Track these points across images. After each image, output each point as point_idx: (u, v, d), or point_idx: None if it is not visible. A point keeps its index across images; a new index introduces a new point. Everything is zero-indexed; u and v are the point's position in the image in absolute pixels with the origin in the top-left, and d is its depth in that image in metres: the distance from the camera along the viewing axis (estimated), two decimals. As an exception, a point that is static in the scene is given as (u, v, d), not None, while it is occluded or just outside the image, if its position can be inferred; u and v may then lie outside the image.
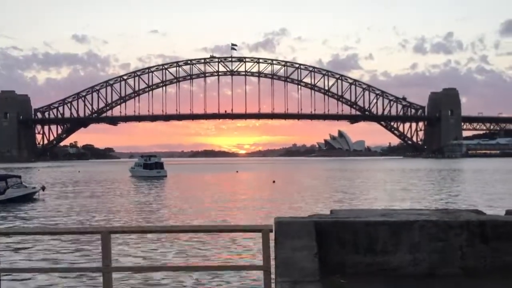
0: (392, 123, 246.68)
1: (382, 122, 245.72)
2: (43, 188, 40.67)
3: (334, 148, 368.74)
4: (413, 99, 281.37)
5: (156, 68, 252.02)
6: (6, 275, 11.83)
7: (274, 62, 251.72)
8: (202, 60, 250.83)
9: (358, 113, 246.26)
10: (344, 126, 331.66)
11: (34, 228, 16.52)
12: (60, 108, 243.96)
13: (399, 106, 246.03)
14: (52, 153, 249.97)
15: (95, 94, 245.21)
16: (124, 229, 12.51)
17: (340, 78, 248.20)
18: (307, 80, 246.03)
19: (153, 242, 17.82)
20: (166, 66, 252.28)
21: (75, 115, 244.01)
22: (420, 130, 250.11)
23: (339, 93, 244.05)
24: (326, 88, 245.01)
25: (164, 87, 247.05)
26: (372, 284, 4.87)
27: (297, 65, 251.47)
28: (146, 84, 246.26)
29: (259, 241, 5.04)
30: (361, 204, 31.94)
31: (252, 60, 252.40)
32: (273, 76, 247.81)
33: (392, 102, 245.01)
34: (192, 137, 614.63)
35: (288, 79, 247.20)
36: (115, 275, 5.81)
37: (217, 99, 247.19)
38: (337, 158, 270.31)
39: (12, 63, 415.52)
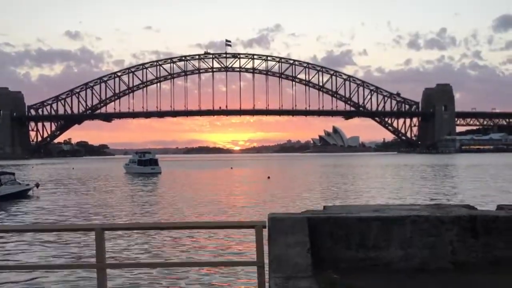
0: (386, 119, 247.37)
1: (377, 118, 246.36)
2: (37, 185, 40.55)
3: (329, 144, 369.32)
4: (407, 95, 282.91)
5: (150, 65, 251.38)
6: (0, 272, 11.82)
7: (269, 58, 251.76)
8: (197, 57, 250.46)
9: (352, 109, 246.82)
10: (338, 122, 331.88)
11: (28, 225, 16.50)
12: (54, 105, 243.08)
13: (393, 102, 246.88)
14: (46, 150, 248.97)
15: (89, 91, 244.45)
16: (118, 226, 12.53)
17: (335, 74, 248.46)
18: (302, 76, 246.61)
19: (147, 238, 17.84)
20: (160, 63, 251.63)
21: (69, 112, 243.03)
22: (414, 125, 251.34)
23: (334, 89, 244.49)
24: (321, 84, 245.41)
25: (158, 84, 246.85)
26: (365, 279, 4.91)
27: (291, 61, 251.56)
28: (140, 80, 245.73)
29: (253, 237, 5.07)
30: (354, 200, 32.07)
31: (246, 56, 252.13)
32: (267, 72, 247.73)
33: (386, 98, 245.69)
34: (187, 134, 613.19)
35: (282, 75, 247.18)
36: (109, 271, 5.82)
37: (212, 95, 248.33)
38: (332, 154, 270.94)
39: (5, 60, 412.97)
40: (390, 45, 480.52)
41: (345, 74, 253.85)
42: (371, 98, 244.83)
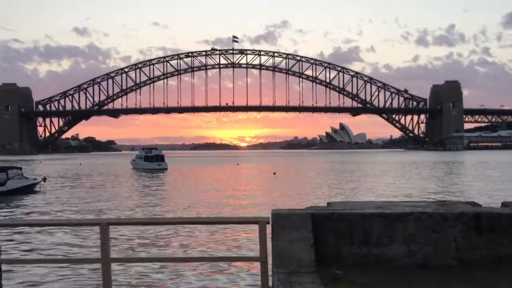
0: (393, 116, 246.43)
1: (384, 115, 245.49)
2: (44, 180, 40.80)
3: (336, 140, 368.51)
4: (415, 91, 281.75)
5: (157, 61, 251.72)
6: (7, 266, 11.90)
7: (276, 54, 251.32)
8: (204, 53, 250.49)
9: (359, 105, 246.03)
10: (345, 119, 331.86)
11: (34, 220, 16.60)
12: (62, 101, 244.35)
13: (401, 99, 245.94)
14: (53, 145, 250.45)
15: (96, 87, 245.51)
16: (123, 221, 12.57)
17: (342, 70, 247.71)
18: (309, 72, 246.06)
19: (151, 233, 17.90)
20: (167, 59, 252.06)
21: (77, 107, 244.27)
22: (422, 122, 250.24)
23: (341, 86, 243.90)
24: (328, 80, 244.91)
25: (165, 80, 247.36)
26: (368, 275, 4.90)
27: (298, 58, 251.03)
28: (147, 76, 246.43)
29: (256, 232, 5.07)
30: (359, 197, 32.00)
31: (253, 52, 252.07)
32: (274, 68, 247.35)
33: (393, 95, 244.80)
34: (193, 130, 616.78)
35: (289, 72, 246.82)
36: (114, 266, 5.85)
37: (219, 92, 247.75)
38: (339, 151, 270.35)
39: (13, 56, 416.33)
40: (398, 42, 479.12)
41: (352, 71, 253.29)
42: (378, 94, 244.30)
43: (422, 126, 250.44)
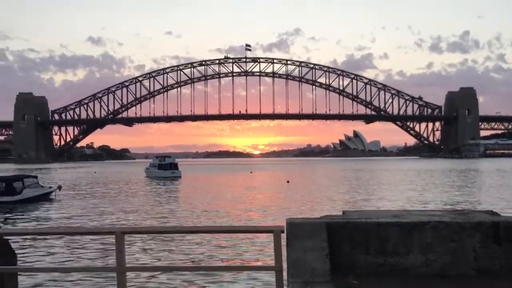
0: (408, 123, 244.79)
1: (398, 122, 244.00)
2: (60, 188, 41.20)
3: (349, 148, 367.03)
4: (429, 98, 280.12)
5: (171, 69, 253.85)
6: (21, 274, 11.99)
7: (289, 62, 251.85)
8: (217, 61, 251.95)
9: (373, 113, 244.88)
10: (359, 126, 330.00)
11: (49, 228, 16.75)
12: (77, 110, 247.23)
13: (415, 106, 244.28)
14: (69, 154, 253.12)
15: (110, 96, 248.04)
16: (138, 229, 12.63)
17: (355, 78, 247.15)
18: (322, 80, 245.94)
19: (166, 242, 17.93)
20: (180, 67, 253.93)
21: (91, 116, 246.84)
22: (437, 130, 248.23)
23: (354, 93, 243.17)
24: (341, 88, 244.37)
25: (179, 88, 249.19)
26: (384, 285, 4.86)
27: (311, 65, 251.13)
28: (161, 85, 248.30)
29: (271, 241, 5.06)
30: (374, 205, 31.76)
31: (266, 60, 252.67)
32: (287, 76, 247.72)
33: (408, 102, 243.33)
34: (207, 138, 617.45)
35: (302, 79, 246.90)
36: (129, 274, 5.87)
37: (232, 100, 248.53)
38: (352, 159, 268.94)
39: (29, 65, 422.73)
40: (411, 49, 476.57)
41: (365, 78, 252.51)
42: (392, 102, 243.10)
43: (437, 133, 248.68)
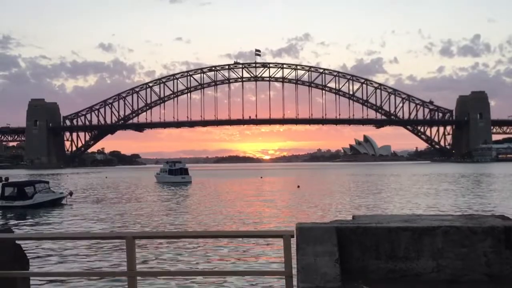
0: (419, 127, 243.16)
1: (409, 127, 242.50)
2: (71, 194, 41.47)
3: (360, 153, 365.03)
4: (440, 102, 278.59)
5: (181, 75, 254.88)
6: (33, 278, 12.07)
7: (298, 67, 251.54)
8: (226, 67, 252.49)
9: (383, 117, 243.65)
10: (369, 131, 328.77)
11: (61, 233, 16.86)
12: (88, 115, 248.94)
13: (426, 110, 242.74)
14: (80, 159, 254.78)
15: (121, 101, 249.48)
16: (149, 234, 12.67)
17: (365, 82, 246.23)
18: (332, 85, 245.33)
19: (176, 247, 17.96)
20: (190, 73, 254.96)
21: (102, 122, 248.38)
22: (448, 134, 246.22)
23: (364, 98, 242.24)
24: (351, 92, 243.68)
25: (189, 94, 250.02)
26: (395, 291, 4.82)
27: (321, 70, 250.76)
28: (171, 91, 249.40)
29: (281, 246, 5.05)
30: (385, 210, 31.54)
31: (276, 65, 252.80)
32: (297, 81, 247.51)
33: (418, 106, 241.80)
34: (217, 143, 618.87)
35: (312, 84, 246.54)
36: (140, 279, 5.89)
37: (241, 105, 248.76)
38: (363, 163, 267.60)
39: (41, 72, 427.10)
40: (422, 53, 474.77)
41: (375, 83, 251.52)
42: (403, 106, 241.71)
43: (449, 137, 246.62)
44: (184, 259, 16.31)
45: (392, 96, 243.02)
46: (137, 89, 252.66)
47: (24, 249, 6.48)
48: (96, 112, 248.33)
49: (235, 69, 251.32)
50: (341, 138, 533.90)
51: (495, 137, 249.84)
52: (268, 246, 17.48)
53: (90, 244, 18.32)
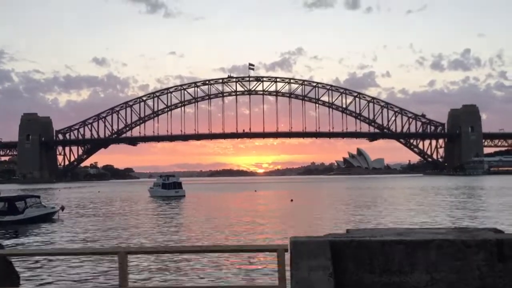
0: (411, 141, 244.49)
1: (401, 140, 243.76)
2: (62, 208, 41.09)
3: (353, 166, 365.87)
4: (432, 116, 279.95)
5: (175, 89, 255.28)
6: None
7: (292, 81, 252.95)
8: (220, 80, 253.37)
9: (377, 130, 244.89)
10: (363, 144, 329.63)
11: (52, 249, 16.69)
12: (81, 129, 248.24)
13: (418, 124, 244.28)
14: (73, 173, 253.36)
15: (114, 115, 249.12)
16: (141, 249, 12.58)
17: (358, 96, 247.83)
18: (325, 98, 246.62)
19: (170, 262, 17.82)
20: (184, 87, 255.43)
21: (95, 136, 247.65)
22: (440, 147, 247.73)
23: (357, 111, 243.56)
24: (344, 106, 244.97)
25: (182, 108, 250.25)
26: (389, 305, 4.80)
27: (314, 84, 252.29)
28: (165, 104, 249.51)
29: (275, 260, 5.03)
30: (378, 224, 31.53)
31: (269, 79, 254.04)
32: (290, 95, 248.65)
33: (411, 120, 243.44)
34: (211, 157, 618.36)
35: (305, 98, 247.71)
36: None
37: (235, 119, 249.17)
38: (356, 176, 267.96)
39: (35, 86, 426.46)
40: (413, 67, 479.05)
41: (368, 96, 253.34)
42: (395, 119, 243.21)
43: (441, 150, 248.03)
44: (176, 274, 16.18)
45: (385, 110, 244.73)
46: (130, 103, 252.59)
47: (15, 265, 6.40)
48: (89, 126, 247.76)
49: (228, 83, 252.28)
50: (334, 151, 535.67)
51: (486, 150, 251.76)
52: (261, 260, 17.38)
53: (82, 259, 18.13)
